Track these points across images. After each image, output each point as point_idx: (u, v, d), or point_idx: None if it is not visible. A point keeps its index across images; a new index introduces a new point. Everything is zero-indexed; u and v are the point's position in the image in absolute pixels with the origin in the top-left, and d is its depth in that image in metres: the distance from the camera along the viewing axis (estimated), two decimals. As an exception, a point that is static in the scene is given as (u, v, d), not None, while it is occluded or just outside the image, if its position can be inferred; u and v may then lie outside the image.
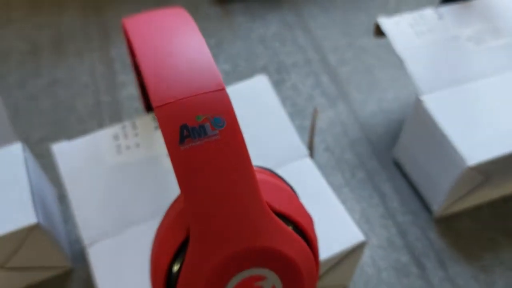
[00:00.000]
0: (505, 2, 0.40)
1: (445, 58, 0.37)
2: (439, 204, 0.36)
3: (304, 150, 0.32)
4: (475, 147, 0.32)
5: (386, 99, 0.45)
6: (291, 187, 0.24)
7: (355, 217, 0.37)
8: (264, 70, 0.47)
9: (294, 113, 0.44)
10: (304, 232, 0.21)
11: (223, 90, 0.20)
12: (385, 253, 0.35)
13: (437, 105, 0.34)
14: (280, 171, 0.30)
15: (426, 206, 0.38)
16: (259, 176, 0.22)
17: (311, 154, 0.33)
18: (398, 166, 0.40)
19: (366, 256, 0.35)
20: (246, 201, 0.19)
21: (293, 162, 0.31)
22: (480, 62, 0.37)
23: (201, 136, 0.19)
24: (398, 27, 0.38)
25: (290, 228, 0.21)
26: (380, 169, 0.40)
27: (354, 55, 0.48)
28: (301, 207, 0.22)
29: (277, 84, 0.46)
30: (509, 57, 0.37)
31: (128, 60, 0.48)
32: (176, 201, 0.22)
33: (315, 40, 0.50)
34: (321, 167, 0.40)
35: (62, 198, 0.37)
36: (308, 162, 0.31)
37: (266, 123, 0.33)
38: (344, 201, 0.38)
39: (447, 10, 0.39)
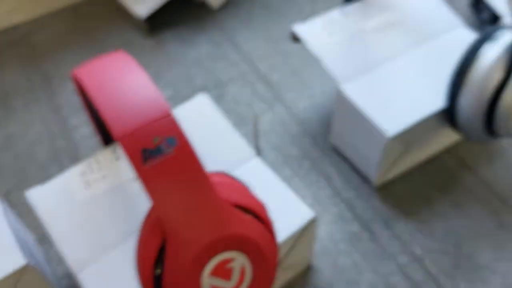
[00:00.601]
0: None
1: (356, 50, 0.42)
2: (375, 175, 0.41)
3: (251, 151, 0.36)
4: (392, 120, 0.38)
5: (315, 94, 0.50)
6: (243, 183, 0.28)
7: (308, 201, 0.42)
8: (203, 89, 0.51)
9: (238, 122, 0.48)
10: (259, 217, 0.26)
11: (170, 115, 0.24)
12: (339, 227, 0.40)
13: (355, 90, 0.40)
14: (234, 173, 0.35)
15: (366, 180, 0.43)
16: (215, 178, 0.26)
17: (258, 153, 0.37)
18: (336, 150, 0.46)
19: (323, 232, 0.40)
20: (206, 200, 0.23)
21: (244, 164, 0.36)
22: (385, 48, 0.43)
23: (159, 154, 0.23)
24: (312, 31, 0.43)
25: (248, 216, 0.25)
26: (322, 156, 0.45)
27: (281, 61, 0.54)
28: (253, 198, 0.27)
29: (218, 99, 0.50)
30: (407, 40, 0.43)
31: (75, 103, 0.51)
32: (148, 214, 0.26)
33: (244, 53, 0.55)
34: (271, 164, 0.45)
35: (41, 240, 0.40)
36: (256, 161, 0.36)
37: (214, 136, 0.37)
38: (296, 190, 0.43)
39: (351, 8, 0.45)
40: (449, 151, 0.45)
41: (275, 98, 0.50)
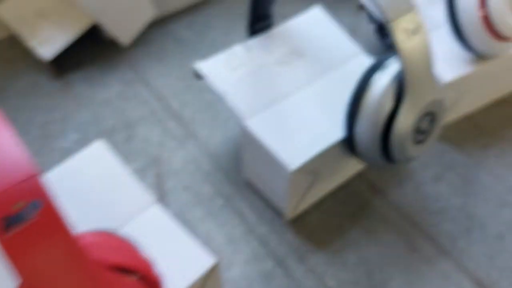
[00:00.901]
0: (302, 26, 0.47)
1: (260, 84, 0.42)
2: (287, 208, 0.41)
3: (150, 198, 0.35)
4: (294, 154, 0.38)
5: (229, 129, 0.50)
6: (127, 241, 0.27)
7: (220, 242, 0.41)
8: (112, 130, 0.50)
9: (149, 163, 0.47)
10: (144, 275, 0.25)
11: (34, 176, 0.23)
12: (252, 266, 0.40)
13: (259, 126, 0.40)
14: (131, 225, 0.33)
15: (279, 214, 0.43)
16: (92, 239, 0.25)
17: (162, 198, 0.36)
18: (249, 185, 0.45)
19: (236, 272, 0.39)
20: (74, 266, 0.22)
21: (143, 212, 0.34)
22: (288, 80, 0.43)
23: (21, 221, 0.22)
24: (214, 67, 0.43)
25: (128, 276, 0.24)
26: (235, 192, 0.45)
27: (193, 96, 0.53)
28: (137, 256, 0.25)
29: (127, 140, 0.49)
30: (310, 71, 0.44)
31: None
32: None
33: (156, 90, 0.54)
34: (182, 206, 0.43)
35: None
36: (155, 209, 0.34)
37: (111, 185, 0.35)
38: (207, 231, 0.42)
39: (254, 42, 0.45)
40: (360, 176, 0.46)
41: (187, 135, 0.49)
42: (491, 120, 0.50)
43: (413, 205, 0.44)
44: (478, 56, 0.46)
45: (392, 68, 0.36)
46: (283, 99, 0.42)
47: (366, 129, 0.36)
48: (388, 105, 0.35)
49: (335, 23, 0.47)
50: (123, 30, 0.57)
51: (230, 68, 0.43)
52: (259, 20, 0.46)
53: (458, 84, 0.45)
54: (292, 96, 0.42)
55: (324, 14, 0.48)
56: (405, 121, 0.35)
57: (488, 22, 0.42)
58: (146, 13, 0.58)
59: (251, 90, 0.42)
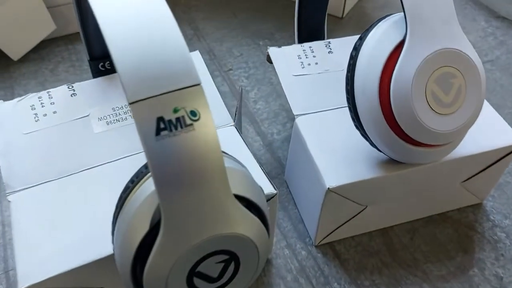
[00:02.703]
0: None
1: (56, 147, 0.31)
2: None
3: None
4: (37, 268, 0.26)
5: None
6: None
7: None
8: None
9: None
10: None
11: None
12: None
13: (19, 209, 0.28)
14: None
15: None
16: None
17: None
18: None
19: None
20: None
21: None
22: (99, 147, 0.31)
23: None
24: (12, 113, 0.32)
25: None
26: None
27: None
28: None
29: None
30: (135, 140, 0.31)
31: None
32: None
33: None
34: None
35: None
36: None
37: None
38: None
39: (84, 85, 0.33)
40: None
41: None
42: (414, 244, 0.35)
43: None
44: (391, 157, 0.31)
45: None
46: (72, 174, 0.30)
47: (118, 253, 0.23)
48: (142, 229, 0.22)
49: (208, 76, 0.34)
50: (12, 42, 0.48)
51: (32, 118, 0.32)
52: (100, 58, 0.34)
53: (352, 192, 0.31)
54: (85, 172, 0.30)
55: (200, 61, 0.35)
56: (163, 259, 0.21)
57: (392, 120, 0.28)
58: (45, 28, 0.48)
59: (37, 155, 0.30)
